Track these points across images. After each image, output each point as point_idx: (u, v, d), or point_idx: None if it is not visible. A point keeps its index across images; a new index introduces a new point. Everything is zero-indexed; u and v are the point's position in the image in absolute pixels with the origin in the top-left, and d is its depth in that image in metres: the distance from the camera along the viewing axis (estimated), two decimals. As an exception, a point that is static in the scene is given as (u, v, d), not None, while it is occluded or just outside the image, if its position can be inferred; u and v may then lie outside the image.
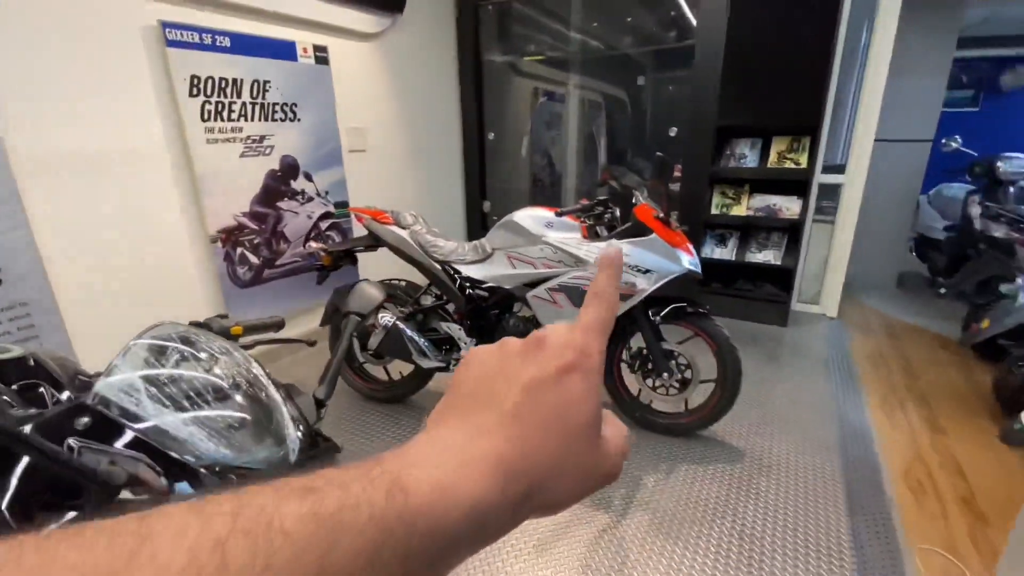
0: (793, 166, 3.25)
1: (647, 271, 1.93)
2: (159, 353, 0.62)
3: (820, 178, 3.37)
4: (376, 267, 2.99)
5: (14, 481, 0.47)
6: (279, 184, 2.83)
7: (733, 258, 3.52)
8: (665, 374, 2.08)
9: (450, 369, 2.26)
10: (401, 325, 2.20)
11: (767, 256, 3.43)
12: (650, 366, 2.11)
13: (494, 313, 2.23)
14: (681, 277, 1.99)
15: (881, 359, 3.00)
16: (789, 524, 1.71)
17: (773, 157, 3.32)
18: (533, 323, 2.12)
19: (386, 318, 2.20)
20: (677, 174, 3.63)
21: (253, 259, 2.77)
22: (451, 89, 4.06)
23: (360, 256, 2.49)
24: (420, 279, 2.33)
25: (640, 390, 2.20)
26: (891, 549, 1.61)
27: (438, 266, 2.21)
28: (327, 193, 3.11)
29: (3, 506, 0.47)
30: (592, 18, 4.16)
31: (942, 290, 3.23)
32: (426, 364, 2.22)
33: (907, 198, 4.23)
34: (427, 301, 2.33)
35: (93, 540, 0.17)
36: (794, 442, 2.15)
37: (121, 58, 2.14)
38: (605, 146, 4.65)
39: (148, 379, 0.58)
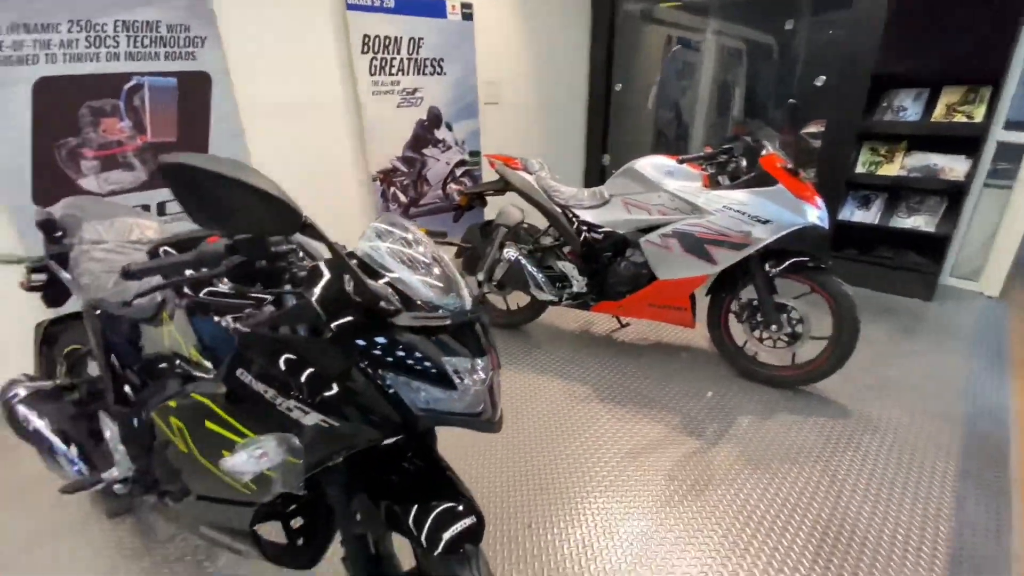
0: (965, 120, 2.86)
1: (766, 221, 1.96)
2: (387, 232, 0.93)
3: (999, 135, 2.92)
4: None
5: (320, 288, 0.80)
6: (425, 133, 3.22)
7: (876, 222, 3.24)
8: (774, 326, 2.12)
9: (561, 303, 2.51)
10: (523, 260, 2.48)
11: (917, 222, 3.11)
12: (759, 318, 2.16)
13: (607, 256, 2.40)
14: (804, 231, 1.99)
15: (1046, 345, 2.65)
16: (887, 477, 1.73)
17: (940, 110, 2.94)
18: (644, 267, 2.26)
19: (510, 253, 2.49)
20: (818, 128, 3.38)
21: (402, 198, 3.23)
22: (582, 40, 4.12)
23: (489, 199, 2.79)
24: (541, 221, 2.57)
25: (746, 341, 2.26)
26: (998, 519, 1.58)
27: (558, 209, 2.42)
28: (463, 142, 3.45)
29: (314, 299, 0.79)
30: (740, -43, 3.88)
31: None
32: (541, 296, 2.49)
33: None
34: (546, 241, 2.57)
35: None
36: (911, 410, 2.08)
37: (312, 22, 2.58)
38: (742, 97, 4.40)
39: (386, 247, 0.89)
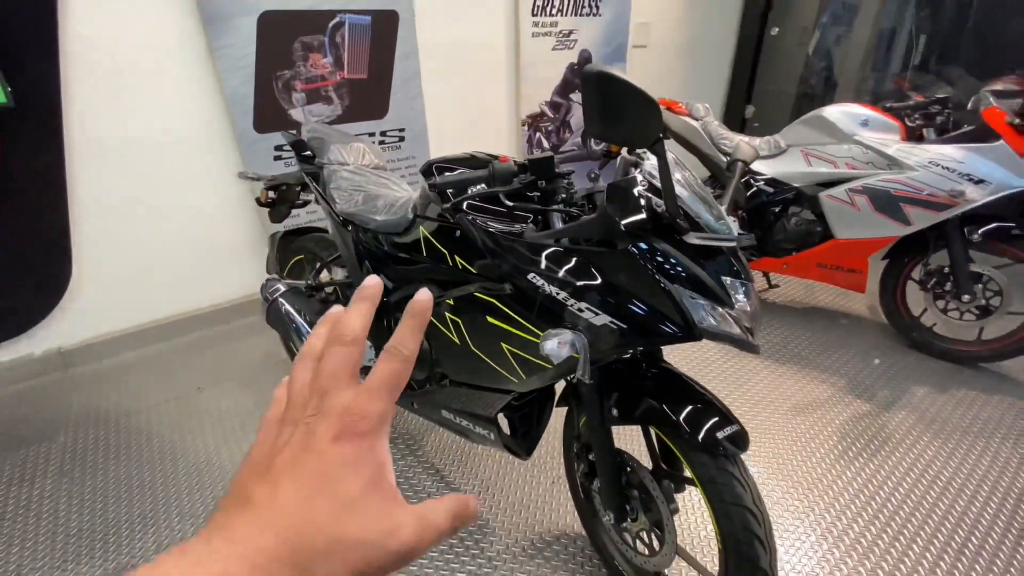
0: None
1: (980, 181, 1.79)
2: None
3: None
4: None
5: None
6: (574, 77, 3.20)
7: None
8: (966, 297, 1.96)
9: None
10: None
11: None
12: (948, 287, 2.01)
13: (773, 211, 2.32)
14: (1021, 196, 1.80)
15: None
16: (1094, 467, 1.60)
17: None
18: (818, 224, 2.16)
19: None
20: (1007, 86, 2.91)
21: (545, 143, 3.28)
22: (741, -22, 3.81)
23: (641, 146, 2.76)
24: (699, 172, 2.51)
25: (924, 310, 2.13)
26: None
27: (724, 158, 2.35)
28: (608, 87, 3.39)
29: (623, 223, 0.88)
30: None
31: None
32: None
33: None
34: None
35: None
36: (1123, 403, 1.88)
37: (487, -40, 2.62)
38: (921, 48, 3.88)
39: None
